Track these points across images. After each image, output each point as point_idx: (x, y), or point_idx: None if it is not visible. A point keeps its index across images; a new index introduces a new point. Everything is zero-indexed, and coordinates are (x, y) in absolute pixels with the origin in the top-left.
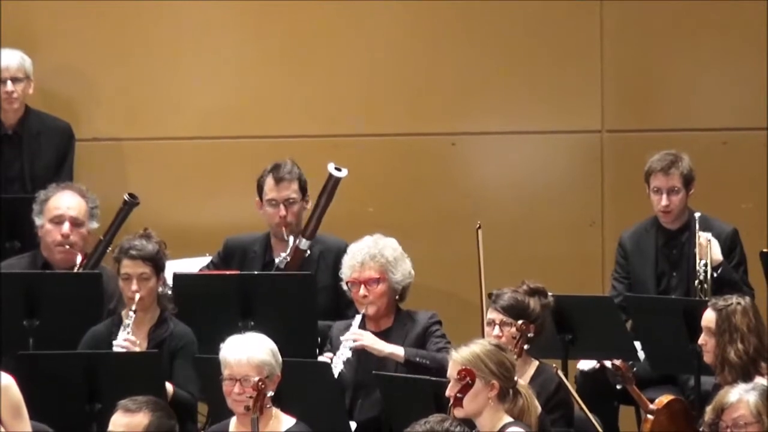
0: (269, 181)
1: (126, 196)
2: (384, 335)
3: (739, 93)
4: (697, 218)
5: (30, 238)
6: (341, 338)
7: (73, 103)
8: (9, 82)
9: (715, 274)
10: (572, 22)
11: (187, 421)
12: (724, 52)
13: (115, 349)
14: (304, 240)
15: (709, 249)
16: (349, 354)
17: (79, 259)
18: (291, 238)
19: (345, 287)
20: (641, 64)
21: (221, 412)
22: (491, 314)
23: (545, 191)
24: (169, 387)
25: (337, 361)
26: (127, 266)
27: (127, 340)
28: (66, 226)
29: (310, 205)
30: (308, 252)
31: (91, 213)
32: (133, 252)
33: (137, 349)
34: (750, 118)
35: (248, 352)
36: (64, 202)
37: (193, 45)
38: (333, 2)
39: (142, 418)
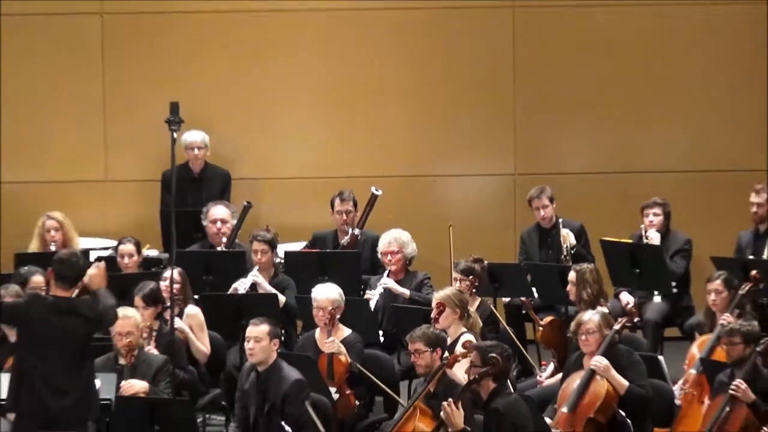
0: (337, 201)
1: (245, 203)
2: (399, 283)
3: (598, 147)
4: (560, 221)
5: (204, 230)
6: (378, 283)
7: (230, 158)
8: (196, 149)
9: (572, 252)
10: (494, 110)
11: (290, 326)
12: (600, 118)
13: (249, 277)
14: (357, 230)
15: (568, 238)
16: (382, 290)
17: (224, 240)
18: (350, 230)
19: (379, 256)
20: (542, 132)
21: (309, 324)
22: (454, 274)
23: (483, 209)
24: (282, 298)
25: (375, 293)
26: (256, 246)
27: (253, 276)
28: (218, 224)
29: (359, 213)
30: (359, 236)
31: (232, 215)
32: (259, 237)
33: (260, 281)
34: (606, 165)
35: (327, 293)
36: (216, 211)
37: (295, 123)
38: (370, 93)
39: (264, 327)
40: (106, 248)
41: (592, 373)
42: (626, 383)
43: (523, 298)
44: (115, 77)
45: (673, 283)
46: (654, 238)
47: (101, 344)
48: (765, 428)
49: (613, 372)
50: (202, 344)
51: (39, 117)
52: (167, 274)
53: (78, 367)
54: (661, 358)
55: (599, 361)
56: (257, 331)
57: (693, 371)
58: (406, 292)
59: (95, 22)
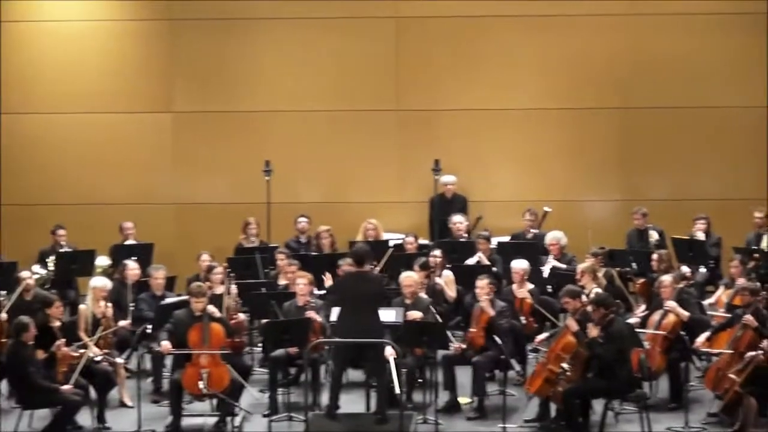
0: (527, 214)
1: (478, 215)
2: (557, 261)
3: (675, 184)
4: (649, 226)
5: (450, 229)
6: (546, 261)
7: (467, 189)
8: (449, 185)
9: (656, 244)
10: (607, 163)
11: (498, 282)
12: (674, 166)
13: (475, 256)
14: (536, 230)
15: (653, 235)
16: (550, 265)
17: (464, 234)
18: (533, 230)
19: (546, 246)
20: (635, 178)
21: (509, 282)
22: (589, 255)
23: (605, 219)
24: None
25: (546, 266)
26: (479, 240)
27: (477, 256)
28: (457, 225)
29: (537, 221)
30: (538, 234)
31: (465, 219)
32: (481, 235)
33: (482, 259)
34: (675, 194)
35: (520, 264)
36: (456, 218)
37: (503, 171)
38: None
39: (484, 280)
40: (399, 239)
41: (666, 311)
42: (687, 314)
43: (627, 269)
44: (404, 149)
45: (711, 262)
46: (699, 236)
47: None
48: (764, 341)
49: (679, 309)
50: (451, 292)
51: (364, 172)
52: (433, 252)
53: (373, 311)
54: (704, 302)
55: (671, 304)
56: (481, 282)
57: (721, 310)
58: (563, 266)
59: (393, 116)
